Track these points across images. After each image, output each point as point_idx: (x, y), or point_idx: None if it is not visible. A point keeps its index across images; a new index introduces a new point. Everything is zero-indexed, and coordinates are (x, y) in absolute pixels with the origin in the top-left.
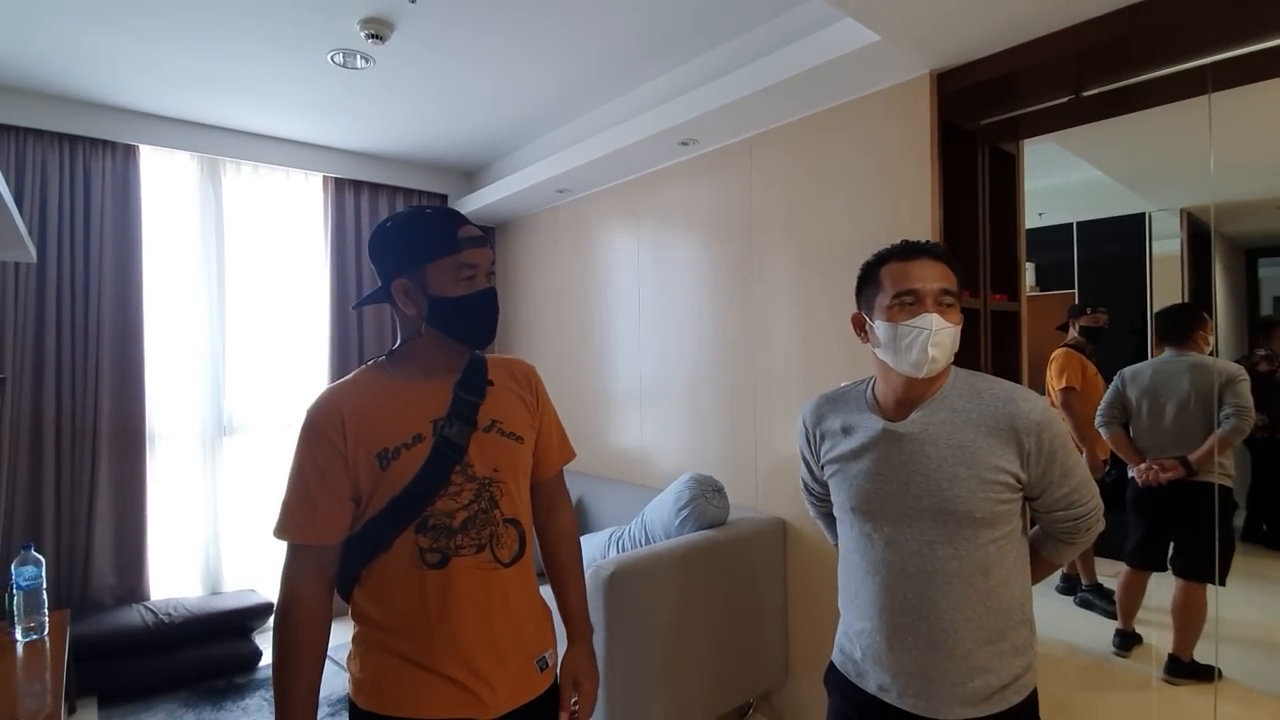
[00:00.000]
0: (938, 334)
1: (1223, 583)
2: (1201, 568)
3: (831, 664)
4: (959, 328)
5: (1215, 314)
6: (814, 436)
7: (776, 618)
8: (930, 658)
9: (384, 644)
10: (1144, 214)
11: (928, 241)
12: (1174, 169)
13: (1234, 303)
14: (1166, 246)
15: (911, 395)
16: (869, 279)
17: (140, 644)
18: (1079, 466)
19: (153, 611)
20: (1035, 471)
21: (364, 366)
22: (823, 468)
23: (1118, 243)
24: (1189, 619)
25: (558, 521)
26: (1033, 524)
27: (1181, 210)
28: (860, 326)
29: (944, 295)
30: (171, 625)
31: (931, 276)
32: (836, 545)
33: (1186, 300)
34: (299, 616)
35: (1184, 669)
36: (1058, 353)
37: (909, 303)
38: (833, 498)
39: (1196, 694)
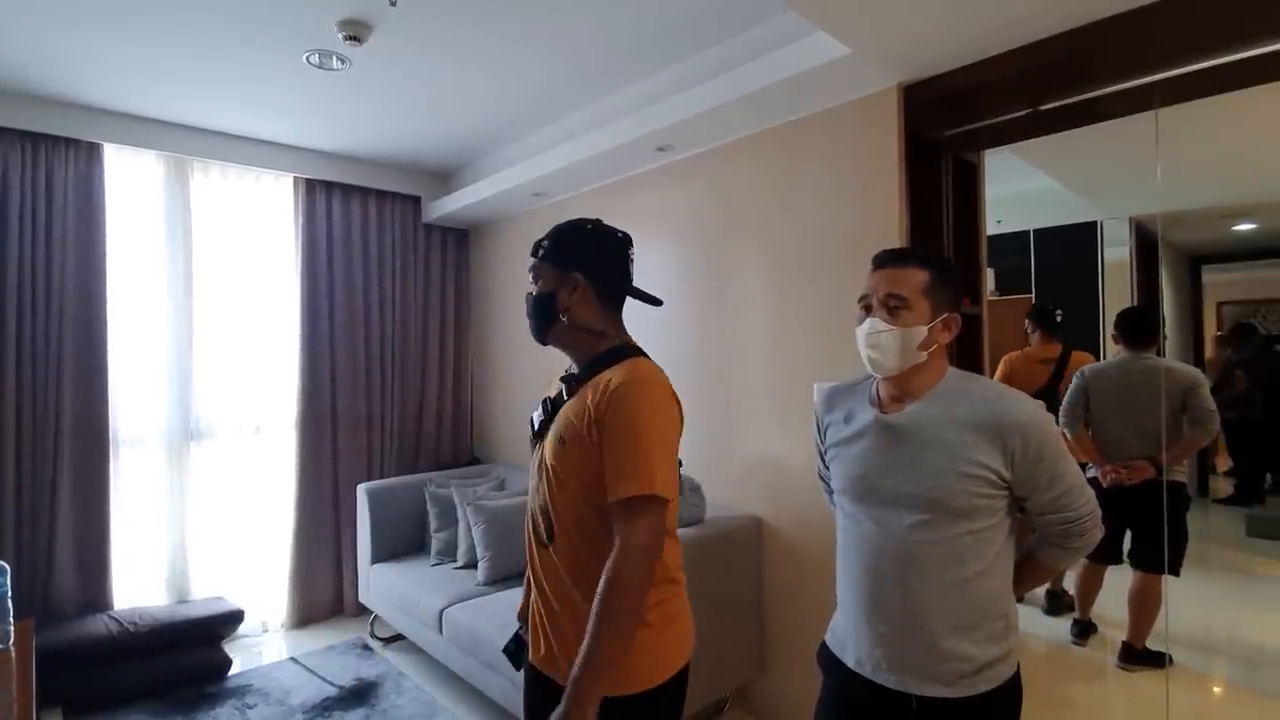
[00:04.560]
0: (871, 335)
1: (1177, 573)
2: (1159, 560)
3: (823, 641)
4: (912, 329)
5: (1162, 318)
6: (822, 424)
7: (752, 613)
8: (903, 635)
9: None
10: (1096, 222)
11: (897, 249)
12: (1123, 179)
13: (1180, 308)
14: (1117, 253)
15: (904, 390)
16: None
17: (106, 654)
18: (1070, 472)
19: (118, 620)
20: (1021, 471)
21: None
22: (826, 454)
23: (1072, 249)
24: (1145, 609)
25: (611, 558)
26: (1033, 530)
27: (1130, 218)
28: None
29: (890, 299)
30: (138, 634)
31: (883, 282)
32: None
33: (1136, 304)
34: None
35: (1137, 656)
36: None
37: (864, 308)
38: (832, 482)
39: (1149, 679)
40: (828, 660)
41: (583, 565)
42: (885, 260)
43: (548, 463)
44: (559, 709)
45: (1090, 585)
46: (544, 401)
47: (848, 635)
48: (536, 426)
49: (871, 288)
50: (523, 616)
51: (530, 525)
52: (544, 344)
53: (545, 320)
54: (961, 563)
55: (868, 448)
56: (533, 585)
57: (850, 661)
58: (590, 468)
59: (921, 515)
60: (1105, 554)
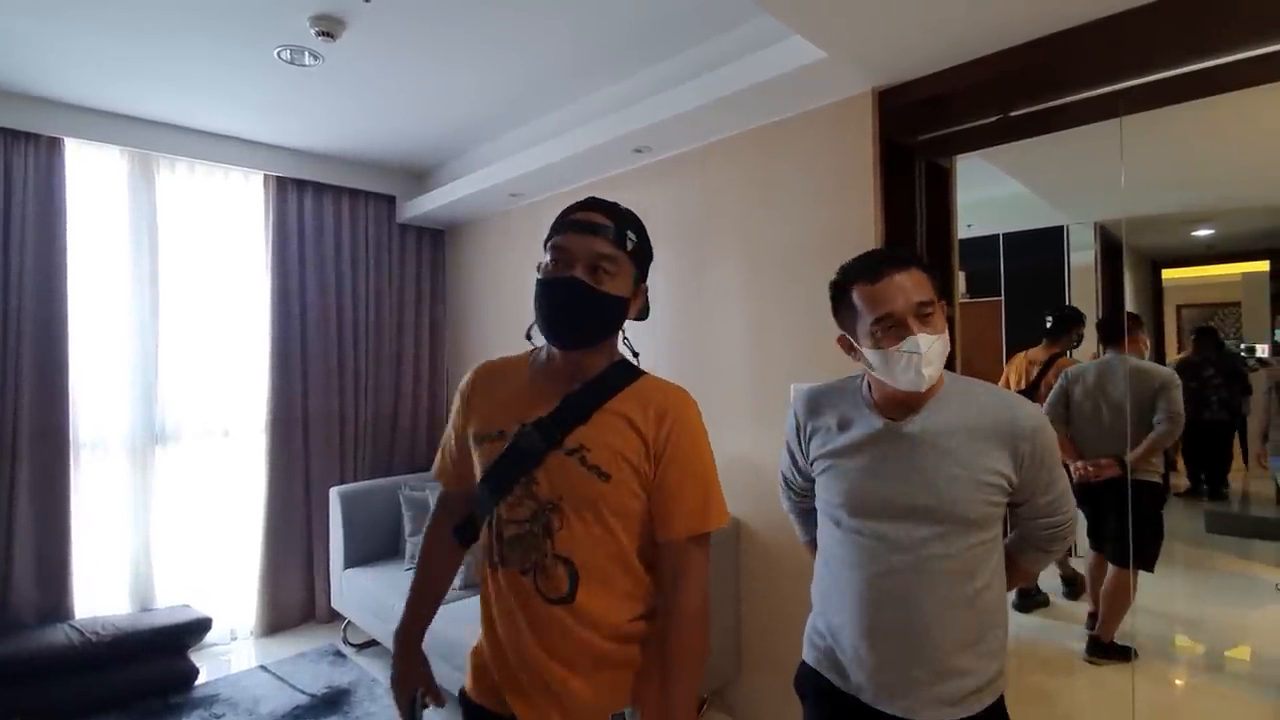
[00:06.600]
0: (929, 352)
1: (1151, 569)
2: (1135, 555)
3: (803, 662)
4: (945, 333)
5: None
6: (804, 430)
7: (729, 615)
8: (909, 656)
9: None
10: (1062, 226)
11: (892, 251)
12: (1089, 185)
13: (1142, 310)
14: (1083, 257)
15: (910, 398)
16: (842, 301)
17: (67, 664)
18: (1062, 477)
19: (79, 630)
20: (1026, 475)
21: (539, 346)
22: (812, 463)
23: (1039, 252)
24: (1116, 603)
25: (675, 600)
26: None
27: (1096, 223)
28: (849, 348)
29: (922, 307)
30: (100, 644)
31: (904, 292)
32: (807, 542)
33: (1101, 306)
34: (426, 540)
35: (1104, 650)
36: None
37: (890, 326)
38: (819, 494)
39: (1116, 673)
40: (813, 681)
41: (618, 612)
42: (893, 265)
43: (560, 500)
44: None
45: (1122, 597)
46: (538, 422)
47: (843, 657)
48: (529, 454)
49: (897, 302)
50: (404, 685)
51: (526, 583)
52: (579, 349)
53: (612, 327)
54: (972, 576)
55: (875, 459)
56: (529, 646)
57: (847, 687)
58: (636, 503)
59: (936, 528)
60: (1114, 553)
